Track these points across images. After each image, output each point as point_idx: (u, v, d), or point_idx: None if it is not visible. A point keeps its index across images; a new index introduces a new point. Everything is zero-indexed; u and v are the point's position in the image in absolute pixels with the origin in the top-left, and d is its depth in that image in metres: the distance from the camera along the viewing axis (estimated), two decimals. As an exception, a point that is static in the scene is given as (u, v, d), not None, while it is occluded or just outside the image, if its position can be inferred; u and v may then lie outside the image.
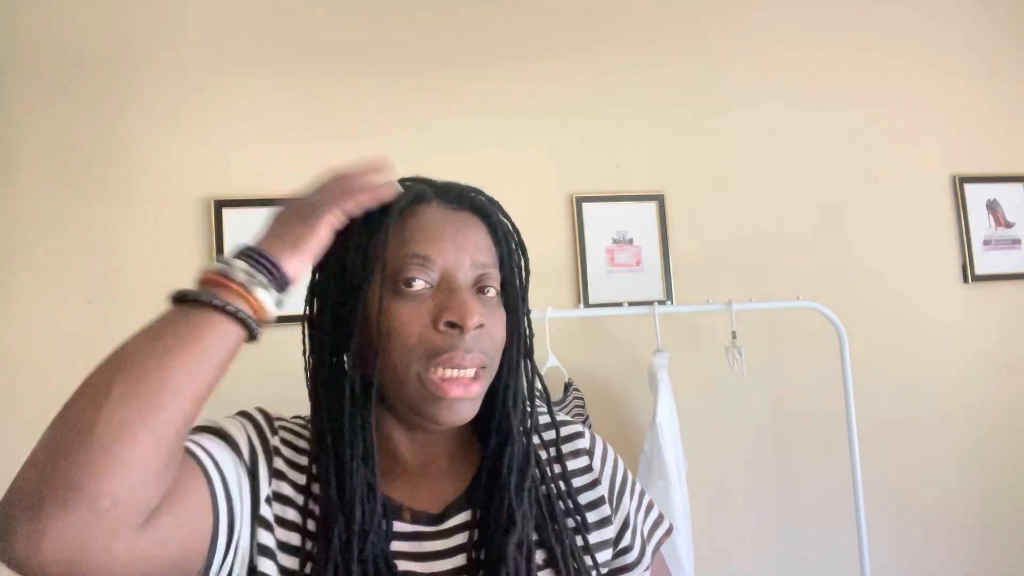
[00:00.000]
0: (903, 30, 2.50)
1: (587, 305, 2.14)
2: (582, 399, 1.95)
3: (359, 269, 0.69)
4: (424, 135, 2.12)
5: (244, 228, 1.99)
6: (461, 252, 0.70)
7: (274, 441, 0.71)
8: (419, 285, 0.68)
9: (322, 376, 0.72)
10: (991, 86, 2.54)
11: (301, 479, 0.70)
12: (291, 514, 0.68)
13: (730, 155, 2.32)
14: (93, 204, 1.96)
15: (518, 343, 0.75)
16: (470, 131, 2.16)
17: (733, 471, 2.20)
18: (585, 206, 2.19)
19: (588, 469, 0.80)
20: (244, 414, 0.76)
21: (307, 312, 0.76)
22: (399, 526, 0.69)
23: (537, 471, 0.75)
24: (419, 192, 0.72)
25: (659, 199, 2.24)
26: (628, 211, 2.23)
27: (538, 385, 0.79)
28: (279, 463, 0.70)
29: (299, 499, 0.69)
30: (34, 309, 1.90)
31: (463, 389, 0.68)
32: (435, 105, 2.15)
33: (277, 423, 0.74)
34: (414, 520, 0.70)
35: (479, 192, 0.76)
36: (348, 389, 0.69)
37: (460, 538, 0.70)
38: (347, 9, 2.15)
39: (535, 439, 0.78)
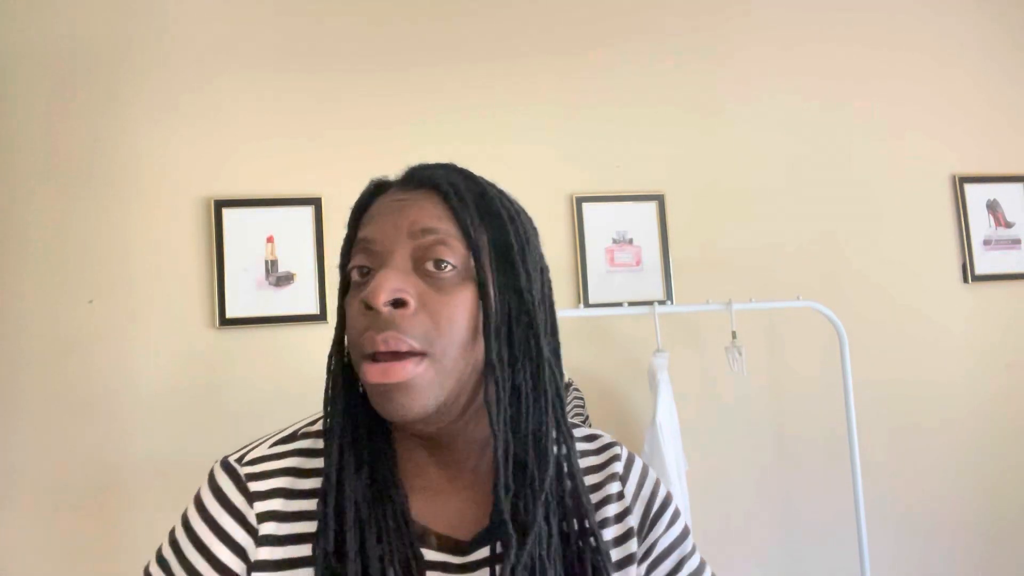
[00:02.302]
0: (903, 31, 2.50)
1: (587, 305, 2.14)
2: (582, 399, 1.95)
3: (340, 272, 0.68)
4: (424, 135, 2.12)
5: (244, 228, 2.00)
6: (399, 225, 0.63)
7: (256, 509, 0.64)
8: (362, 272, 0.64)
9: (333, 391, 0.67)
10: (991, 86, 2.54)
11: (306, 505, 0.65)
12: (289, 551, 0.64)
13: (730, 155, 2.32)
14: (93, 204, 1.96)
15: (494, 328, 0.63)
16: (470, 131, 2.16)
17: (733, 471, 2.20)
18: (585, 206, 2.19)
19: (619, 497, 0.72)
20: (207, 521, 0.65)
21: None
22: (427, 554, 0.64)
23: (551, 494, 0.65)
24: (378, 184, 0.69)
25: (659, 199, 2.24)
26: (628, 211, 2.23)
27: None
28: (267, 528, 0.63)
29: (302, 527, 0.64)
30: (34, 309, 1.90)
31: (382, 372, 0.59)
32: (435, 105, 2.15)
33: (250, 482, 0.65)
34: (440, 547, 0.65)
35: (443, 166, 0.69)
36: (343, 401, 0.66)
37: (483, 573, 0.65)
38: (347, 9, 2.15)
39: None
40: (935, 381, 2.35)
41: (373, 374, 0.60)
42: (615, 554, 0.70)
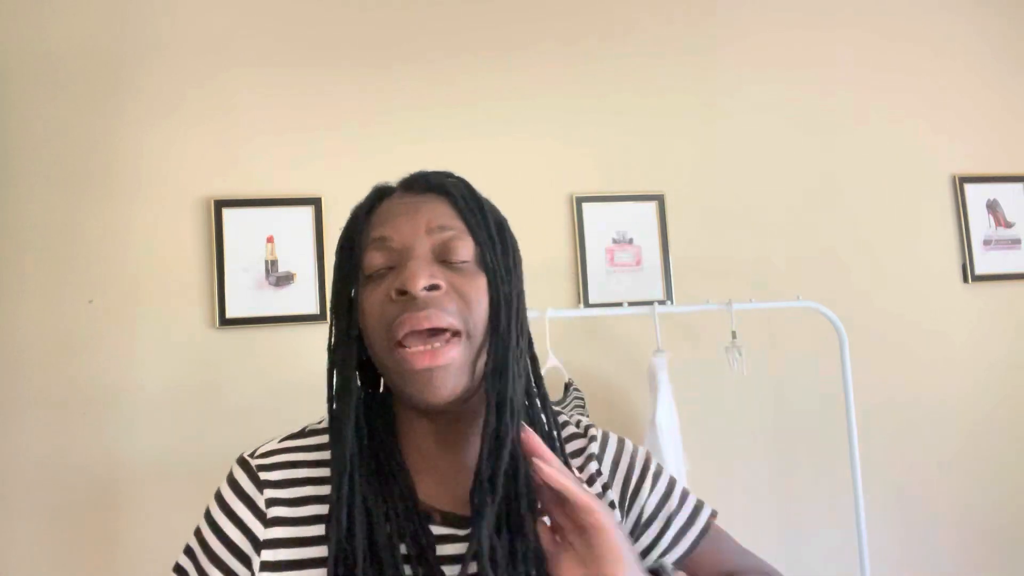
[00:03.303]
0: (904, 31, 2.50)
1: (587, 305, 2.14)
2: (582, 399, 1.95)
3: (341, 272, 0.73)
4: (424, 136, 2.12)
5: (244, 228, 2.00)
6: (416, 224, 0.69)
7: (266, 496, 0.70)
8: (379, 266, 0.69)
9: (341, 389, 0.71)
10: (991, 85, 2.54)
11: (319, 490, 0.70)
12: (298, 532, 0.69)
13: (730, 155, 2.32)
14: (93, 204, 1.96)
15: (503, 313, 0.69)
16: (470, 132, 2.16)
17: (733, 471, 2.20)
18: (585, 206, 2.19)
19: (598, 475, 0.78)
20: (224, 509, 0.71)
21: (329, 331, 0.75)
22: (434, 529, 0.69)
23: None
24: (382, 189, 0.75)
25: (659, 199, 2.24)
26: (628, 211, 2.23)
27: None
28: (275, 511, 0.70)
29: (311, 511, 0.70)
30: (34, 309, 1.90)
31: (430, 358, 0.65)
32: (435, 106, 2.15)
33: (261, 471, 0.72)
34: (444, 522, 0.69)
35: (445, 174, 0.75)
36: (352, 393, 0.70)
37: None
38: (347, 9, 2.15)
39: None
40: (935, 381, 2.35)
41: (418, 359, 0.65)
42: None
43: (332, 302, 0.74)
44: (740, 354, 1.94)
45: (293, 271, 2.02)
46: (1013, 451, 2.38)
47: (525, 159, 2.17)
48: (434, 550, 0.67)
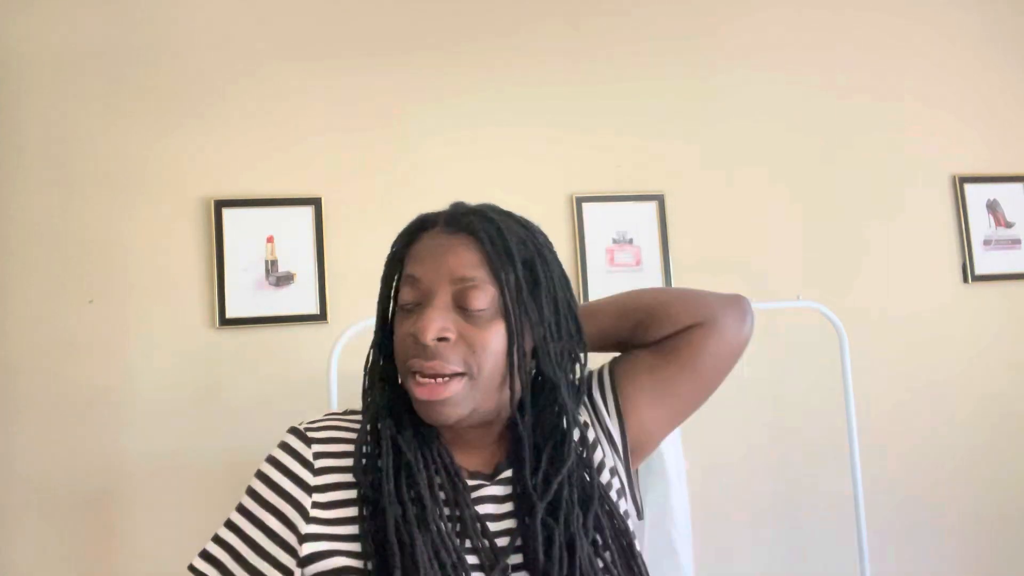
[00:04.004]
0: (904, 31, 2.50)
1: (587, 305, 2.14)
2: (582, 399, 1.94)
3: (381, 295, 0.85)
4: (424, 136, 2.12)
5: (244, 228, 2.00)
6: (440, 271, 0.77)
7: (310, 455, 0.80)
8: (410, 303, 0.79)
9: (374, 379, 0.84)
10: (991, 86, 2.54)
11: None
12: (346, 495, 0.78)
13: (730, 155, 2.32)
14: (93, 204, 1.96)
15: (515, 350, 0.78)
16: (471, 132, 2.16)
17: (733, 471, 2.20)
18: (585, 206, 2.19)
19: (586, 426, 0.88)
20: (265, 482, 0.80)
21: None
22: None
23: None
24: (424, 220, 0.83)
25: (659, 199, 2.24)
26: (628, 211, 2.23)
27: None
28: (323, 478, 0.79)
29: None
30: (34, 309, 1.90)
31: (429, 392, 0.75)
32: (435, 106, 2.15)
33: (309, 431, 0.82)
34: (472, 477, 0.80)
35: (484, 210, 0.82)
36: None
37: (511, 486, 0.80)
38: (347, 9, 2.15)
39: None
40: (935, 381, 2.35)
41: (421, 392, 0.76)
42: (605, 476, 0.85)
43: (378, 307, 0.85)
44: (740, 354, 1.93)
45: (293, 271, 2.02)
46: (1013, 450, 2.38)
47: (525, 159, 2.17)
48: (468, 494, 0.77)
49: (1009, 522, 2.35)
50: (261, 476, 0.79)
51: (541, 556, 0.73)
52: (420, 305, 0.78)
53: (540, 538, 0.74)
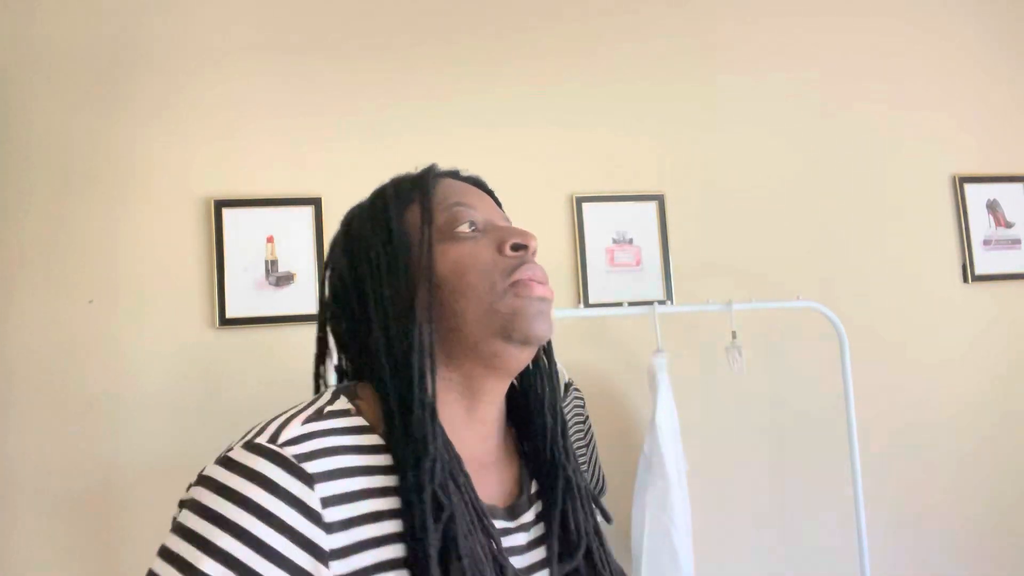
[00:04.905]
0: (903, 30, 2.51)
1: (587, 305, 2.14)
2: (582, 399, 1.95)
3: (406, 232, 0.69)
4: (424, 135, 2.12)
5: (244, 228, 2.00)
6: (489, 208, 0.75)
7: (316, 502, 0.57)
8: (470, 229, 0.70)
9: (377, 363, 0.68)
10: (991, 86, 2.54)
11: (377, 481, 0.61)
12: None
13: (730, 155, 2.32)
14: (93, 204, 1.96)
15: None
16: (470, 132, 2.16)
17: (733, 471, 2.20)
18: (585, 206, 2.19)
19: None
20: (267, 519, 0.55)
21: (328, 303, 0.78)
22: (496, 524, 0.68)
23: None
24: (434, 169, 0.77)
25: (659, 199, 2.24)
26: (628, 211, 2.23)
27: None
28: (333, 513, 0.57)
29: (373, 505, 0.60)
30: (34, 309, 1.90)
31: (545, 288, 0.69)
32: (435, 106, 2.15)
33: (303, 463, 0.58)
34: (492, 514, 0.67)
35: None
36: (418, 371, 0.64)
37: (536, 531, 0.70)
38: (347, 9, 2.15)
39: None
40: (935, 381, 2.35)
41: (538, 288, 0.68)
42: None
43: (424, 261, 0.68)
44: (740, 354, 1.94)
45: (293, 271, 2.02)
46: (1012, 449, 2.38)
47: (525, 159, 2.17)
48: (500, 543, 0.64)
49: (1009, 522, 2.35)
50: (238, 532, 0.53)
51: None
52: (483, 233, 0.70)
53: None
